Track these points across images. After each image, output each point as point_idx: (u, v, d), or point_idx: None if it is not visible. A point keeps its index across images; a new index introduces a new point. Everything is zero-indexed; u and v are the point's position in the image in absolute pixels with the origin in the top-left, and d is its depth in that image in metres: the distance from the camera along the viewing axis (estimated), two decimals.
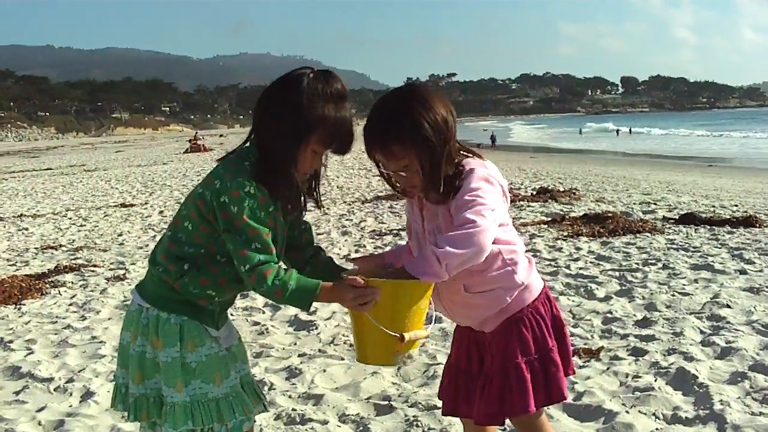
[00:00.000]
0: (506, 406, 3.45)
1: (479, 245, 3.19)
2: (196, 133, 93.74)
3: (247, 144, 3.47)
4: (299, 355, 6.93)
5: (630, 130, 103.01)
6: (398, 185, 3.59)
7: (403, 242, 3.70)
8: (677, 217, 13.84)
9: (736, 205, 15.70)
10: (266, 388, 6.00)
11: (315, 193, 3.67)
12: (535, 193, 18.79)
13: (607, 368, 6.20)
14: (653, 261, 10.15)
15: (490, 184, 3.34)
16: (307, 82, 3.32)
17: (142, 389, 3.51)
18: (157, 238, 14.35)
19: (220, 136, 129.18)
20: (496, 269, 3.45)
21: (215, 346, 3.49)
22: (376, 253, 3.64)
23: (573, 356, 5.68)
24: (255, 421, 3.69)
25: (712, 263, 9.79)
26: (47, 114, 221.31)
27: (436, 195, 3.40)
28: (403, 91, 3.42)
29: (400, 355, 3.41)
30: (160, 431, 3.54)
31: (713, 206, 15.44)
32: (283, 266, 3.33)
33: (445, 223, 3.42)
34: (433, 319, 3.58)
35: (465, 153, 3.48)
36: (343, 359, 6.68)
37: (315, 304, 3.45)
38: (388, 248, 12.11)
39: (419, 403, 5.49)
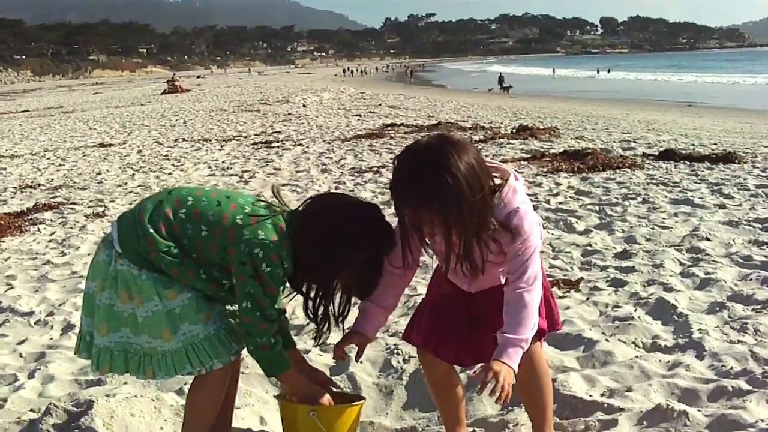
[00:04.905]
0: None
1: (538, 300, 3.48)
2: (174, 74, 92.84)
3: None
4: None
5: (609, 70, 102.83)
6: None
7: (370, 304, 3.68)
8: (657, 153, 13.84)
9: (716, 144, 15.72)
10: None
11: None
12: (515, 131, 18.74)
13: (587, 299, 6.24)
14: (633, 195, 10.17)
15: (532, 224, 3.42)
16: None
17: (106, 341, 3.48)
18: (136, 177, 14.32)
19: (198, 77, 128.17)
20: None
21: (193, 290, 3.46)
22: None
23: (552, 287, 5.70)
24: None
25: (691, 198, 9.82)
26: (23, 57, 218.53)
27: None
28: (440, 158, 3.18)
29: None
30: (150, 371, 3.52)
31: (693, 144, 15.45)
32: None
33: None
34: None
35: (494, 172, 3.42)
36: None
37: None
38: (368, 185, 12.08)
39: (399, 332, 5.49)
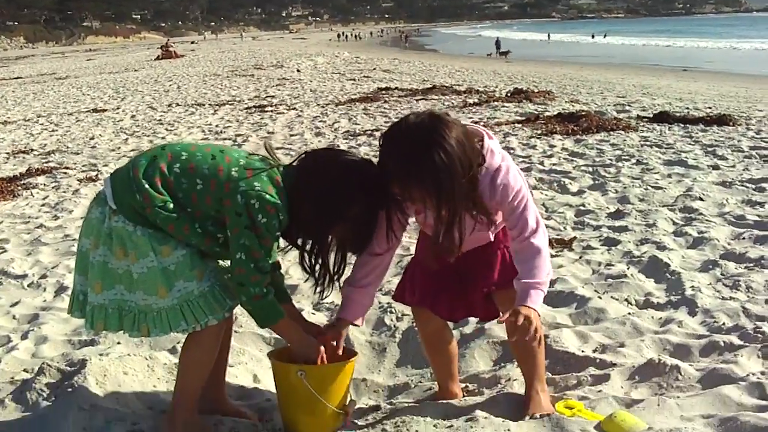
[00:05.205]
0: (506, 275, 3.67)
1: (547, 245, 3.53)
2: (168, 40, 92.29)
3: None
4: None
5: (605, 35, 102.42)
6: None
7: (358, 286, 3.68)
8: (651, 116, 13.81)
9: (710, 108, 15.67)
10: None
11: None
12: (509, 94, 18.68)
13: (580, 257, 6.25)
14: (627, 157, 10.16)
15: (517, 177, 3.44)
16: None
17: (100, 299, 3.46)
18: (129, 142, 14.26)
19: (192, 42, 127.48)
20: None
21: (188, 247, 3.44)
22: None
23: None
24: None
25: (685, 159, 9.81)
26: (16, 23, 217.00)
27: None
28: (426, 133, 3.16)
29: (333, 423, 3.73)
30: (145, 329, 3.51)
31: (687, 108, 15.40)
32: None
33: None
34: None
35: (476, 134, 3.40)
36: None
37: None
38: (362, 148, 12.05)
39: (392, 291, 5.49)
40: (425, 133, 3.13)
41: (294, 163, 3.49)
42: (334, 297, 4.07)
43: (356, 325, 3.80)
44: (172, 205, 3.36)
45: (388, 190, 3.31)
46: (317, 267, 3.53)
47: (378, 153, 3.31)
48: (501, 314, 3.67)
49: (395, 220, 3.50)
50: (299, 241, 3.56)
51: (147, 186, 3.35)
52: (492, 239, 3.71)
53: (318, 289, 3.60)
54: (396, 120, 3.31)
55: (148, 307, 3.42)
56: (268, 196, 3.30)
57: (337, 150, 3.66)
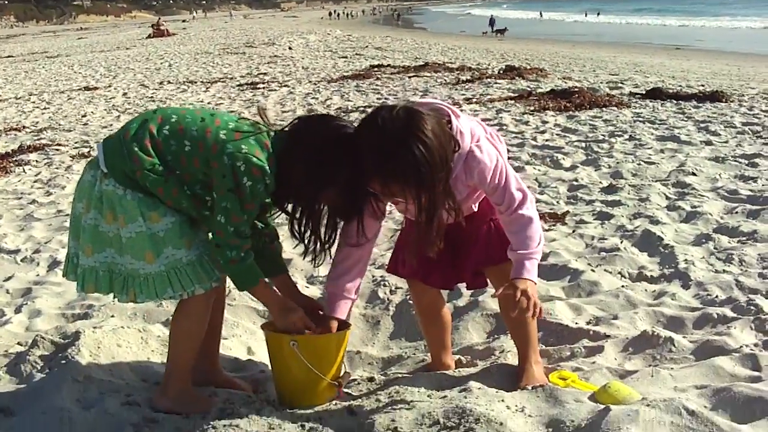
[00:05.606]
0: (493, 252, 3.67)
1: (536, 212, 3.53)
2: (159, 19, 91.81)
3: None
4: None
5: (598, 13, 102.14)
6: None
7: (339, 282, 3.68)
8: (644, 92, 13.79)
9: (703, 85, 15.65)
10: None
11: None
12: (502, 71, 18.65)
13: (573, 231, 6.26)
14: (620, 133, 10.15)
15: (490, 151, 3.42)
16: None
17: (91, 262, 3.47)
18: (121, 119, 14.21)
19: (183, 21, 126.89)
20: None
21: (178, 214, 3.44)
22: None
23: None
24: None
25: (678, 135, 9.81)
26: (6, 2, 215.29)
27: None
28: (402, 126, 3.14)
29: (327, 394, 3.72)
30: (132, 293, 3.51)
31: (680, 86, 15.38)
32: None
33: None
34: None
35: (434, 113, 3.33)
36: None
37: None
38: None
39: (386, 264, 5.49)
40: (402, 127, 3.10)
41: (286, 128, 3.48)
42: (326, 269, 4.04)
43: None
44: (161, 168, 3.35)
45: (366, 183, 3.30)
46: (307, 234, 3.51)
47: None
48: (496, 290, 3.66)
49: (373, 210, 3.52)
50: (289, 208, 3.55)
51: (136, 149, 3.34)
52: (476, 209, 3.70)
53: (309, 257, 3.58)
54: (371, 111, 3.26)
55: (135, 271, 3.43)
56: (254, 159, 3.28)
57: (329, 115, 3.65)
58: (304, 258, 3.62)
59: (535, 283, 3.43)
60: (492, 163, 3.38)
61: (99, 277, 3.48)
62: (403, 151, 3.07)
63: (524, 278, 3.39)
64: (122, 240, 3.39)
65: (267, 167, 3.30)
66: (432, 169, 3.11)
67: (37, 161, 10.79)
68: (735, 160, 8.27)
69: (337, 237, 3.60)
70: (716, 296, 4.78)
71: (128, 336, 4.38)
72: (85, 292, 3.60)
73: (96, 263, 3.46)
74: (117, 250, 3.42)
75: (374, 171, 3.19)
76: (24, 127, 14.44)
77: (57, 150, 11.55)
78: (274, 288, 3.68)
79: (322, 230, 3.51)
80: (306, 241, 3.52)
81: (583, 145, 9.52)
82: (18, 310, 5.24)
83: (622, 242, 5.87)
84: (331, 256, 3.66)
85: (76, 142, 12.24)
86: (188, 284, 3.45)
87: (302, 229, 3.50)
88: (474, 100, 14.05)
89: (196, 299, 3.52)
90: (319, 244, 3.53)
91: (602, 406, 3.22)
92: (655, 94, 13.34)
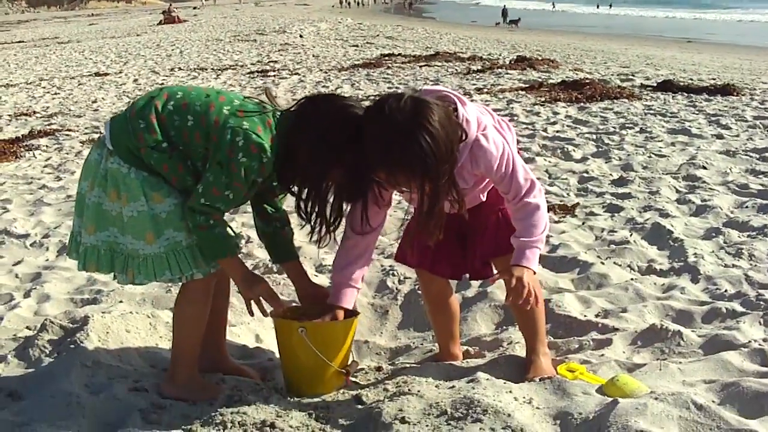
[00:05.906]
0: (502, 242, 3.64)
1: (543, 200, 3.51)
2: (170, 5, 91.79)
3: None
4: None
5: (610, 5, 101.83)
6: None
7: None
8: (655, 84, 13.74)
9: (714, 79, 15.57)
10: (243, 241, 5.96)
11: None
12: (513, 61, 18.60)
13: (583, 223, 6.24)
14: (630, 125, 10.12)
15: (496, 139, 3.40)
16: None
17: (93, 240, 3.47)
18: None
19: (194, 8, 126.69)
20: None
21: (181, 197, 3.44)
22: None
23: (548, 212, 5.73)
24: None
25: (689, 128, 9.78)
26: None
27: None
28: (411, 116, 3.11)
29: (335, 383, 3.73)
30: (131, 273, 3.51)
31: (691, 79, 15.31)
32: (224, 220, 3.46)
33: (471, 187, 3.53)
34: None
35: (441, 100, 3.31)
36: None
37: None
38: None
39: (394, 254, 5.49)
40: (409, 118, 3.09)
41: (292, 108, 3.47)
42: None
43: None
44: (165, 145, 3.36)
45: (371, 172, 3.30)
46: (313, 215, 3.49)
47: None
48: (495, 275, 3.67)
49: (378, 199, 3.50)
50: (295, 189, 3.53)
51: (142, 125, 3.36)
52: (484, 199, 3.69)
53: (314, 238, 3.54)
54: (377, 100, 3.24)
55: (135, 251, 3.43)
56: (254, 136, 3.28)
57: (336, 95, 3.63)
58: (310, 240, 3.60)
59: (534, 272, 3.42)
60: (498, 152, 3.36)
61: (100, 255, 3.48)
62: (410, 142, 3.06)
63: (522, 265, 3.39)
64: (124, 219, 3.40)
65: (267, 145, 3.30)
66: (438, 161, 3.10)
67: (47, 146, 10.80)
68: (746, 154, 8.25)
69: (343, 220, 3.59)
70: (725, 290, 4.77)
71: (137, 321, 4.39)
72: (86, 271, 3.60)
73: (98, 242, 3.47)
74: (119, 229, 3.43)
75: (380, 161, 3.18)
76: (34, 112, 14.45)
77: (67, 135, 11.57)
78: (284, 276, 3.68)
79: (328, 211, 3.50)
80: (312, 222, 3.50)
81: (594, 137, 9.49)
82: (27, 295, 5.26)
83: (631, 235, 5.86)
84: (336, 240, 3.65)
85: (86, 128, 12.25)
86: (186, 268, 3.46)
87: (308, 209, 3.48)
88: (485, 90, 14.02)
89: (196, 284, 3.53)
90: (324, 225, 3.51)
91: (610, 399, 3.21)
92: (667, 86, 13.29)
